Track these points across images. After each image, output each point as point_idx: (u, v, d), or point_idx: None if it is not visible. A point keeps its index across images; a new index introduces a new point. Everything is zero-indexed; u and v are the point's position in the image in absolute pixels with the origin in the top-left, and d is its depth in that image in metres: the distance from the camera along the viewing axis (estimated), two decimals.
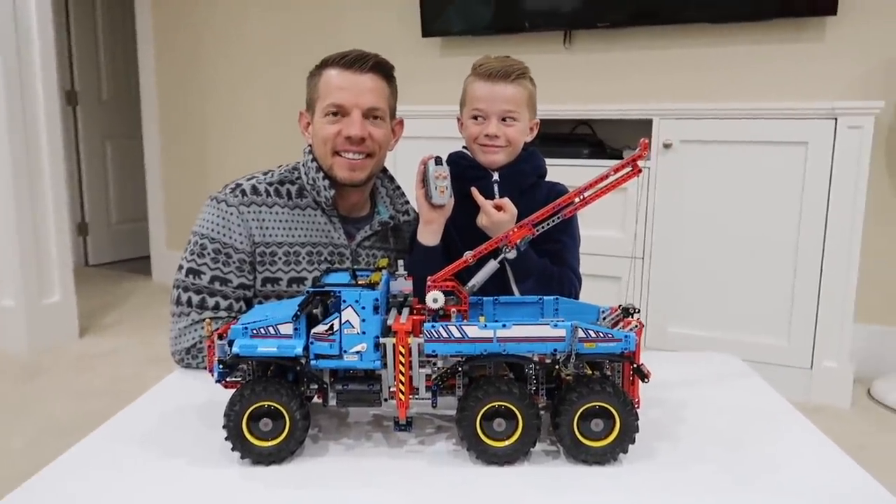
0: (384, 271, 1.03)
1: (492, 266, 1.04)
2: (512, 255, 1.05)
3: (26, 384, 2.66)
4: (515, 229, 1.03)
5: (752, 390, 1.24)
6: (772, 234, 2.42)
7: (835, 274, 2.35)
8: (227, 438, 0.92)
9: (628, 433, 0.92)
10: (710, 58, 2.80)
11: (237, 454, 0.92)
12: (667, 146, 2.49)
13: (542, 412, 0.95)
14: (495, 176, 1.40)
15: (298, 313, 0.93)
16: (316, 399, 1.01)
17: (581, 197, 1.01)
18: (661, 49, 2.87)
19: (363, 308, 0.93)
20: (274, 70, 3.69)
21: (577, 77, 3.00)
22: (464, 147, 1.45)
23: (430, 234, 1.35)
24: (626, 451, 0.93)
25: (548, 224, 1.02)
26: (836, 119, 2.27)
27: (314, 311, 0.97)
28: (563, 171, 1.43)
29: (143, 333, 3.26)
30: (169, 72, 4.06)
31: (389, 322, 0.96)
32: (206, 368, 1.09)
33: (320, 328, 0.94)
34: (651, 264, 2.57)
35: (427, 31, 3.20)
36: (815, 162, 2.32)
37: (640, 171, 0.99)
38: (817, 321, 2.38)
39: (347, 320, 0.93)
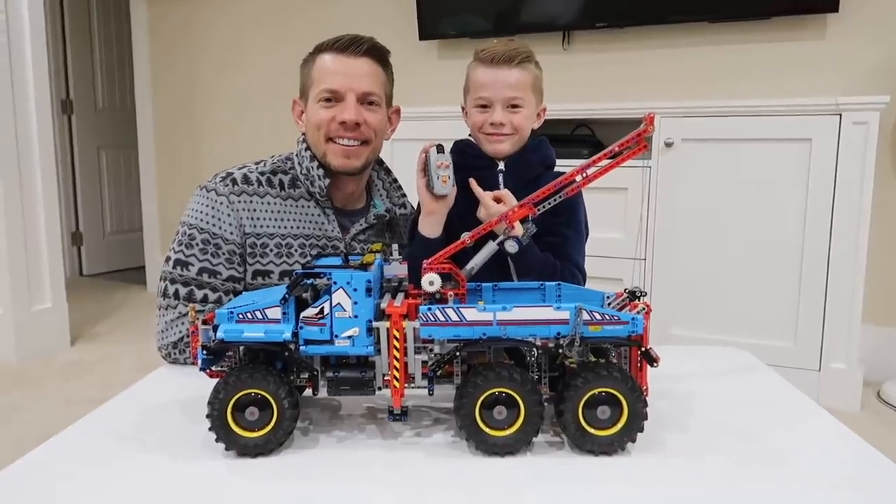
0: (377, 255, 0.98)
1: (490, 248, 0.99)
2: (513, 248, 1.00)
3: (14, 391, 2.60)
4: (516, 209, 0.98)
5: (767, 383, 1.19)
6: (776, 232, 2.37)
7: (841, 273, 2.29)
8: (210, 429, 0.86)
9: (636, 420, 0.87)
10: (711, 56, 2.77)
11: (221, 446, 0.87)
12: (668, 145, 2.44)
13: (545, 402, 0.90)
14: (501, 166, 1.35)
15: (287, 296, 0.88)
16: (306, 391, 0.96)
17: (584, 174, 0.96)
18: (661, 48, 2.84)
19: (355, 290, 0.88)
20: (273, 79, 3.65)
21: (577, 77, 2.97)
22: (469, 136, 1.41)
23: (431, 225, 1.30)
24: (633, 440, 0.88)
25: (549, 203, 0.98)
26: (840, 115, 2.23)
27: (304, 295, 0.92)
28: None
29: (136, 342, 3.19)
30: (165, 81, 4.03)
31: (383, 306, 0.91)
32: (193, 363, 1.04)
33: (310, 311, 0.88)
34: (653, 265, 2.52)
35: (424, 35, 3.17)
36: (820, 159, 2.28)
37: (645, 146, 0.95)
38: (824, 322, 2.33)
39: (339, 303, 0.88)
